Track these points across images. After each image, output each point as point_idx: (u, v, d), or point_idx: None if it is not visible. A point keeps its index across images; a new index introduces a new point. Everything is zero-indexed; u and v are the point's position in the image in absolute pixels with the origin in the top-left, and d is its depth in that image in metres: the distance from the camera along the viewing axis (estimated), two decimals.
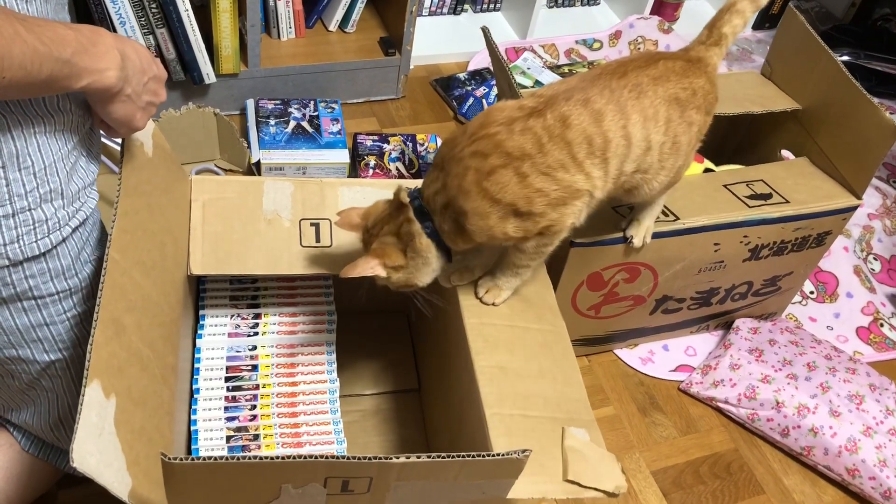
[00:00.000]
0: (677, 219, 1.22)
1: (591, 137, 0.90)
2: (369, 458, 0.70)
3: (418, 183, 0.98)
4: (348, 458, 0.69)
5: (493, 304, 1.01)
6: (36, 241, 0.79)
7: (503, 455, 0.73)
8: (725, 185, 1.30)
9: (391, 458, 0.70)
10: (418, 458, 0.71)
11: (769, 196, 1.29)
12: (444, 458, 0.72)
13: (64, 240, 0.83)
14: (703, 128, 1.04)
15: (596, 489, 0.85)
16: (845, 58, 2.13)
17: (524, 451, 0.73)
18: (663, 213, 1.22)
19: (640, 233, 1.17)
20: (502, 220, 0.90)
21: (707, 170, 1.40)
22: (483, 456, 0.73)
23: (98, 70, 0.74)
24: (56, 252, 0.83)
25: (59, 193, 0.81)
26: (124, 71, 0.77)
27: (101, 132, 0.88)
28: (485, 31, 1.30)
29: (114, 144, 1.46)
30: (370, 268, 0.93)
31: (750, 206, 1.26)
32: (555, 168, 0.89)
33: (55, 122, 0.78)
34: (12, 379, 0.92)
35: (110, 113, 0.80)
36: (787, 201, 1.28)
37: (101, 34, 0.74)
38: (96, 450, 0.68)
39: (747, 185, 1.31)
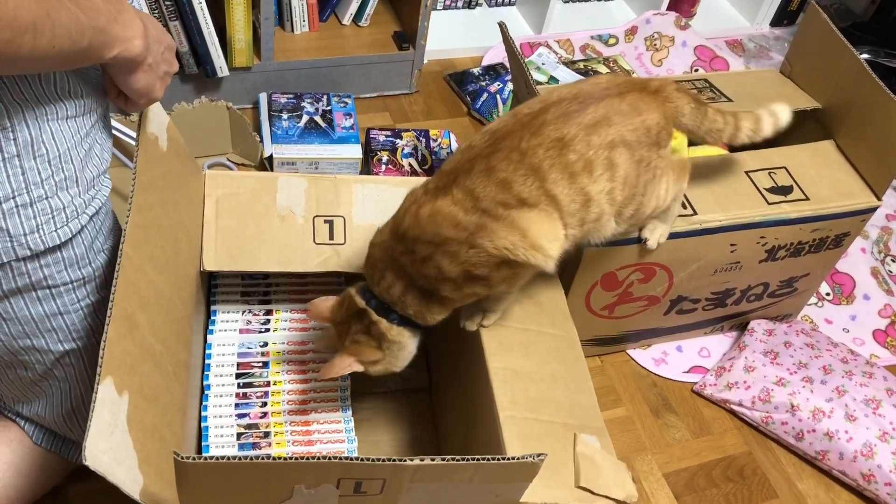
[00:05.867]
0: (695, 213, 1.20)
1: (506, 202, 0.88)
2: (383, 460, 0.69)
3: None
4: (362, 460, 0.69)
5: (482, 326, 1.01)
6: (56, 231, 0.80)
7: (518, 459, 0.72)
8: (747, 172, 1.28)
9: (405, 461, 0.70)
10: (433, 460, 0.71)
11: (790, 190, 1.27)
12: (458, 460, 0.71)
13: (81, 228, 0.83)
14: (664, 158, 1.00)
15: (607, 497, 0.84)
16: (865, 56, 2.10)
17: (539, 455, 0.72)
18: (681, 204, 1.20)
19: (655, 234, 1.16)
20: (457, 288, 0.91)
21: None
22: (498, 459, 0.72)
23: (126, 39, 0.75)
24: (72, 241, 0.83)
25: (75, 181, 0.81)
26: (147, 40, 0.78)
27: (113, 115, 0.89)
28: (502, 26, 1.29)
29: (126, 137, 1.46)
30: (347, 366, 0.95)
31: (769, 203, 1.24)
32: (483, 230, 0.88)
33: (68, 108, 0.78)
34: (25, 370, 0.92)
35: (133, 83, 0.81)
36: (807, 198, 1.26)
37: (123, 3, 0.75)
38: (108, 447, 0.68)
39: (769, 173, 1.28)
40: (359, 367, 0.96)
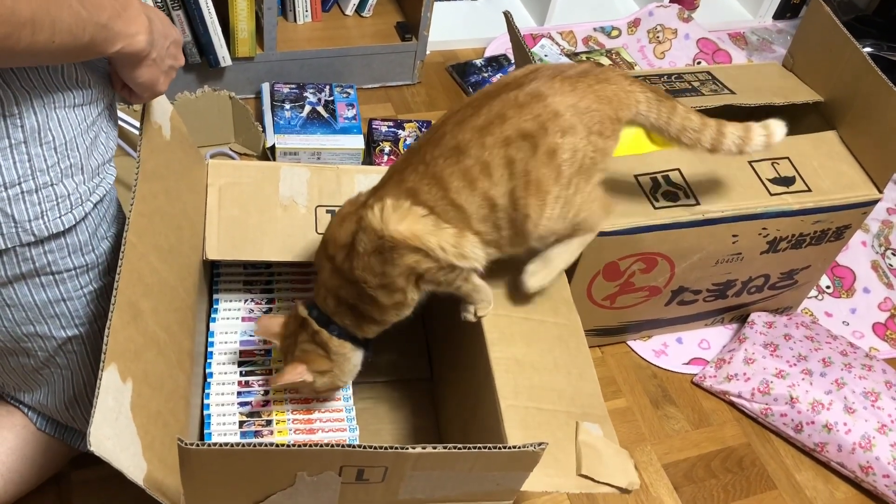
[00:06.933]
0: (697, 203, 1.20)
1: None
2: (385, 448, 0.69)
3: None
4: (365, 448, 0.69)
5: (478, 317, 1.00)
6: (60, 217, 0.80)
7: (519, 448, 0.73)
8: (750, 162, 1.28)
9: (407, 449, 0.70)
10: (434, 448, 0.71)
11: (792, 181, 1.27)
12: (460, 449, 0.72)
13: (85, 216, 0.84)
14: (596, 148, 0.89)
15: (609, 485, 0.84)
16: (868, 49, 2.10)
17: (540, 443, 0.73)
18: (684, 194, 1.20)
19: (539, 274, 0.99)
20: (374, 299, 0.92)
21: None
22: (499, 448, 0.73)
23: (130, 34, 0.75)
24: (76, 228, 0.83)
25: (80, 168, 0.81)
26: (151, 35, 0.78)
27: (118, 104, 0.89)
28: (507, 16, 1.29)
29: (129, 127, 1.46)
30: (298, 374, 0.96)
31: (771, 194, 1.24)
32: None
33: (75, 96, 0.79)
34: (27, 357, 0.92)
35: (136, 77, 0.81)
36: (809, 189, 1.26)
37: None
38: (113, 433, 0.68)
39: (772, 164, 1.28)
40: (308, 377, 0.97)
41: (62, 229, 0.81)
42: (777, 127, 1.05)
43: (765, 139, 1.04)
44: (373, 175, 1.12)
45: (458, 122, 0.88)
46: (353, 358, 0.99)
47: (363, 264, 0.89)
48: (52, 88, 0.76)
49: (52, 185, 0.78)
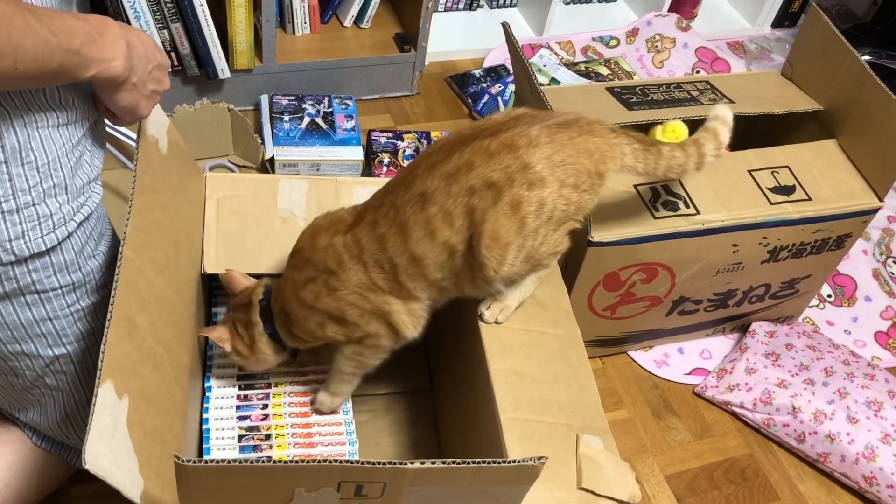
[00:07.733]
0: (697, 213, 1.20)
1: (381, 262, 0.90)
2: (384, 464, 0.69)
3: None
4: (363, 463, 0.69)
5: (321, 408, 1.06)
6: (42, 237, 0.79)
7: (519, 462, 0.72)
8: (750, 171, 1.28)
9: (406, 464, 0.69)
10: (433, 463, 0.70)
11: (792, 189, 1.27)
12: (458, 464, 0.71)
13: (69, 235, 0.83)
14: (569, 201, 0.87)
15: (610, 498, 0.84)
16: (866, 57, 2.10)
17: (540, 458, 0.72)
18: (684, 203, 1.20)
19: (495, 310, 0.99)
20: (321, 326, 0.95)
21: None
22: (498, 462, 0.72)
23: (105, 60, 0.74)
24: (60, 247, 0.82)
25: (64, 188, 0.80)
26: (130, 60, 0.77)
27: (107, 123, 0.88)
28: (505, 26, 1.29)
29: (127, 139, 1.46)
30: (221, 340, 1.01)
31: (771, 203, 1.24)
32: (362, 288, 0.91)
33: (58, 116, 0.78)
34: (16, 377, 0.91)
35: (116, 101, 0.81)
36: (810, 198, 1.26)
37: (107, 24, 0.75)
38: (109, 450, 0.68)
39: (772, 173, 1.28)
40: (227, 348, 1.01)
41: (44, 249, 0.80)
42: (725, 113, 1.02)
43: (727, 129, 1.02)
44: (371, 186, 1.11)
45: (430, 167, 0.87)
46: (272, 359, 1.02)
47: (336, 305, 0.92)
48: (34, 108, 0.75)
49: (33, 204, 0.77)
